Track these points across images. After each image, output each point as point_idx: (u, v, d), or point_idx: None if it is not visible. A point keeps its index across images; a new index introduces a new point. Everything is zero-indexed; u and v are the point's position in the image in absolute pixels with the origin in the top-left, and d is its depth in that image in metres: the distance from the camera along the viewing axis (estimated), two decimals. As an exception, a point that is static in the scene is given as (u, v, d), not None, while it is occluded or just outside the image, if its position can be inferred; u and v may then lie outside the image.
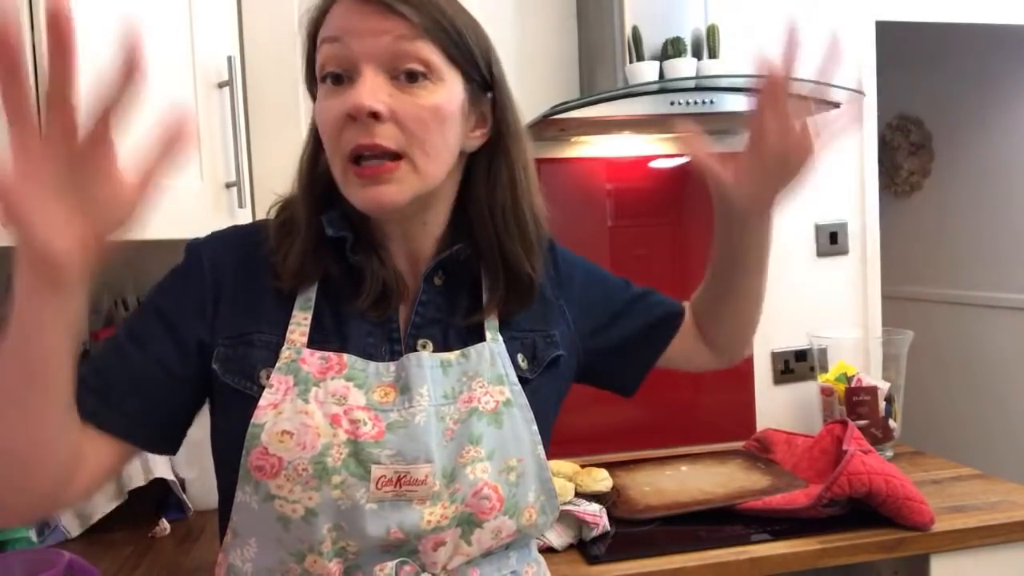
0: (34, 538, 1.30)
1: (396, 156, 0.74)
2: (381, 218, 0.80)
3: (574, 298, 0.93)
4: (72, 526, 1.34)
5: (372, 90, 0.72)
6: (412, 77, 0.74)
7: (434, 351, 0.81)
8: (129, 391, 0.76)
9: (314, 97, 0.81)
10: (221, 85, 1.30)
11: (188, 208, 1.25)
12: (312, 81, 0.80)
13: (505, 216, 0.82)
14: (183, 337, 0.78)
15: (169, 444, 0.80)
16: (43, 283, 0.57)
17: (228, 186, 1.32)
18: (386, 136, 0.73)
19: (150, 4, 1.19)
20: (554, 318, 0.90)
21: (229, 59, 1.29)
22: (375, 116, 0.72)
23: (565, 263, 0.95)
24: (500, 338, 0.84)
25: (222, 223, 1.26)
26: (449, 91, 0.76)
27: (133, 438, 0.76)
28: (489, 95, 0.82)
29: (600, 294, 0.97)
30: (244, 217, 1.32)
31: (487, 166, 0.83)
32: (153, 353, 0.77)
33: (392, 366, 0.78)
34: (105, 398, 0.75)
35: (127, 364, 0.77)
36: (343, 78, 0.74)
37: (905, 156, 3.10)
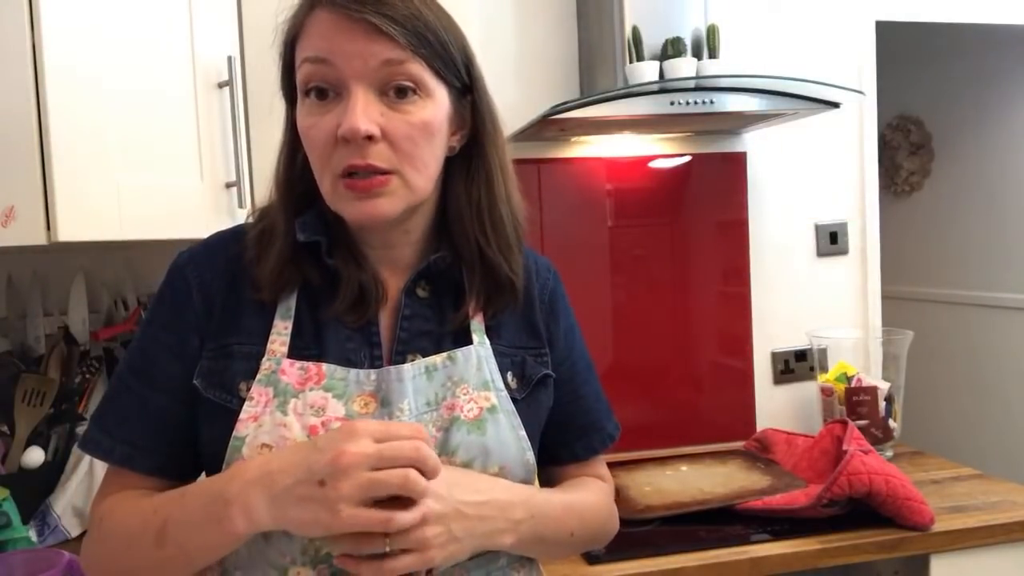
0: (34, 538, 1.30)
1: (387, 171, 0.74)
2: (368, 227, 0.80)
3: (554, 335, 0.90)
4: (72, 526, 1.34)
5: (365, 111, 0.72)
6: (402, 93, 0.74)
7: None
8: (154, 432, 0.78)
9: (288, 102, 0.81)
10: (221, 85, 1.30)
11: (188, 208, 1.25)
12: (288, 87, 0.80)
13: (481, 217, 0.82)
14: (190, 364, 0.78)
15: (201, 470, 0.81)
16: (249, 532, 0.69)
17: (228, 186, 1.32)
18: (378, 156, 0.73)
19: (150, 4, 1.19)
20: (542, 341, 0.89)
21: (229, 59, 1.29)
22: (368, 138, 0.72)
23: (561, 301, 0.92)
24: (487, 341, 0.82)
25: (222, 223, 1.28)
26: (436, 105, 0.76)
27: (169, 472, 0.78)
28: (468, 97, 0.81)
29: (565, 354, 0.91)
30: (244, 217, 1.31)
31: (466, 167, 0.83)
32: (167, 389, 0.78)
33: (372, 374, 0.77)
34: (133, 443, 0.78)
35: (147, 406, 0.78)
36: (328, 92, 0.74)
37: (905, 156, 3.10)
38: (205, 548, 0.71)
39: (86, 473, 1.36)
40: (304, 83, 0.75)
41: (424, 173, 0.77)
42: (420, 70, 0.74)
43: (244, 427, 0.74)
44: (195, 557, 0.72)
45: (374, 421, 0.71)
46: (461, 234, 0.82)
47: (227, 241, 0.83)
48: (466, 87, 0.80)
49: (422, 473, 0.67)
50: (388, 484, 0.65)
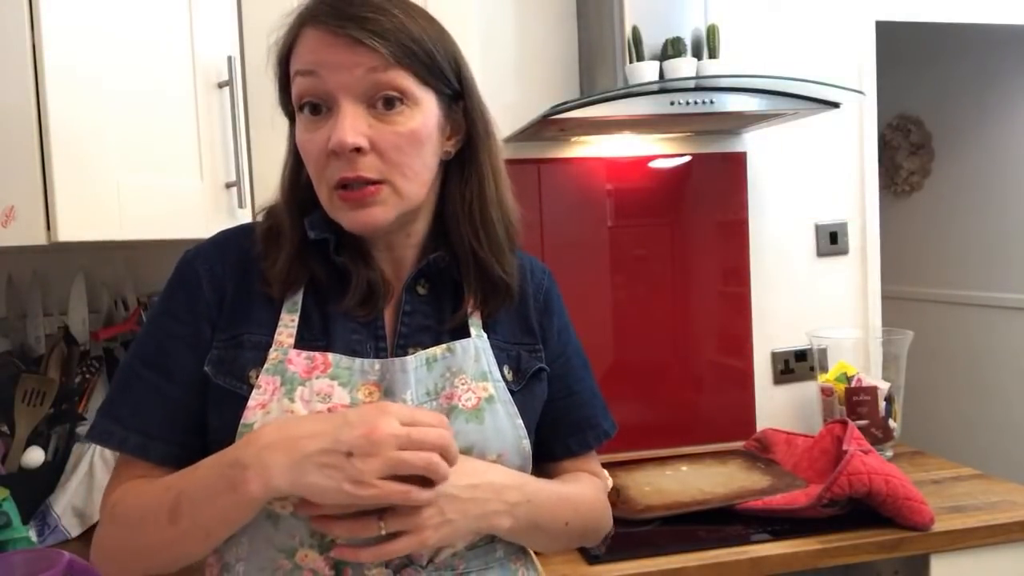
0: (34, 538, 1.30)
1: (377, 181, 0.77)
2: (366, 234, 0.82)
3: (548, 334, 0.93)
4: (72, 526, 1.34)
5: (352, 125, 0.75)
6: (389, 103, 0.76)
7: None
8: (168, 422, 0.80)
9: (288, 117, 0.84)
10: (221, 85, 1.30)
11: (188, 208, 1.25)
12: (286, 103, 0.82)
13: (473, 218, 0.84)
14: (203, 354, 0.80)
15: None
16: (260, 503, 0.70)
17: (228, 186, 1.32)
18: (368, 167, 0.76)
19: (150, 4, 1.19)
20: (536, 338, 0.91)
21: (229, 59, 1.29)
22: (357, 150, 0.75)
23: (555, 300, 0.94)
24: (484, 335, 0.85)
25: (222, 223, 1.27)
26: (424, 113, 0.78)
27: (181, 462, 0.78)
28: (460, 103, 0.83)
29: (559, 352, 0.93)
30: (244, 217, 1.32)
31: (461, 171, 0.85)
32: (180, 380, 0.80)
33: (377, 364, 0.80)
34: (147, 432, 0.79)
35: (161, 396, 0.80)
36: (321, 108, 0.77)
37: (905, 156, 3.10)
38: (219, 519, 0.72)
39: (86, 473, 1.36)
40: (298, 98, 0.78)
41: (415, 180, 0.79)
42: (405, 80, 0.76)
43: (252, 414, 0.76)
44: (210, 530, 0.73)
45: (401, 405, 0.75)
46: (456, 235, 0.85)
47: (235, 237, 0.86)
48: (457, 93, 0.82)
49: (444, 459, 0.71)
50: (413, 465, 0.69)
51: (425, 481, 0.71)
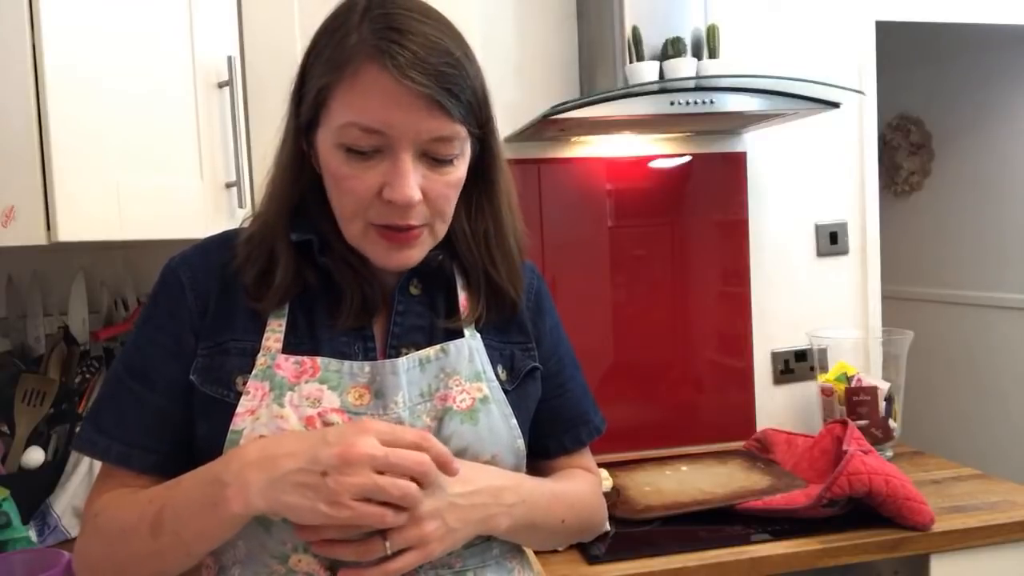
0: (34, 538, 1.30)
1: (420, 225, 0.77)
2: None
3: (541, 333, 0.93)
4: (72, 526, 1.33)
5: (414, 180, 0.74)
6: (444, 157, 0.76)
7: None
8: (151, 432, 0.79)
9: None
10: (221, 85, 1.30)
11: (188, 208, 1.25)
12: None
13: (489, 245, 0.85)
14: (187, 363, 0.79)
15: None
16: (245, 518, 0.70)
17: (228, 186, 1.32)
18: (418, 216, 0.76)
19: (150, 4, 1.19)
20: (529, 337, 0.91)
21: (229, 59, 1.29)
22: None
23: (546, 299, 0.95)
24: (477, 335, 0.85)
25: (222, 223, 1.28)
26: (466, 160, 0.79)
27: (165, 471, 0.78)
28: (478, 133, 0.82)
29: (551, 351, 0.94)
30: (244, 217, 1.31)
31: (468, 196, 0.84)
32: (164, 389, 0.79)
33: (367, 366, 0.79)
34: (130, 442, 0.79)
35: (144, 406, 0.79)
36: (369, 152, 0.74)
37: (905, 156, 3.10)
38: (201, 534, 0.72)
39: (86, 473, 1.36)
40: (346, 144, 0.74)
41: (448, 222, 0.80)
42: (463, 139, 0.76)
43: (241, 420, 0.75)
44: (191, 544, 0.72)
45: (382, 422, 0.74)
46: (469, 258, 0.85)
47: (218, 243, 0.85)
48: (482, 129, 0.81)
49: (420, 483, 0.70)
50: (389, 494, 0.68)
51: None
